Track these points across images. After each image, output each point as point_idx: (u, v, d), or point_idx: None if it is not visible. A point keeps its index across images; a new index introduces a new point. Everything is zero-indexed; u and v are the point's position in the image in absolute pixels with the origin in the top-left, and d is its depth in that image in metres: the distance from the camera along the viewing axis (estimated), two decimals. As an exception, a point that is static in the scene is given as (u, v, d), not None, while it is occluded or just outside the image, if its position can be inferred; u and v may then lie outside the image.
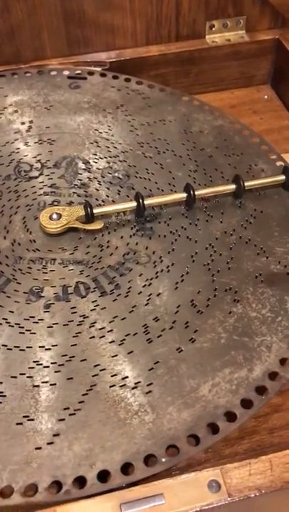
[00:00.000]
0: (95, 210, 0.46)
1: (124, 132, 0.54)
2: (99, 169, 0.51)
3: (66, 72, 0.59)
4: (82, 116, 0.55)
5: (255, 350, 0.38)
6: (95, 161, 0.52)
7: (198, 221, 0.46)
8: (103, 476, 0.33)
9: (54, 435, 0.34)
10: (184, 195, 0.47)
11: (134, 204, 0.46)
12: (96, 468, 0.33)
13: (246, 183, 0.47)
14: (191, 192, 0.46)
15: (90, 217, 0.46)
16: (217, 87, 0.67)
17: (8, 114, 0.55)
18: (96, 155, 0.52)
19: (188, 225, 0.46)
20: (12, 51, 0.60)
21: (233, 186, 0.47)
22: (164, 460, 0.33)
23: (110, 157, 0.52)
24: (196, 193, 0.46)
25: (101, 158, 0.52)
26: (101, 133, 0.54)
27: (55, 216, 0.46)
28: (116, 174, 0.51)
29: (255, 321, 0.40)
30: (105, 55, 0.63)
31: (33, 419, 0.35)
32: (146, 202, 0.47)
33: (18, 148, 0.53)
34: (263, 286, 0.42)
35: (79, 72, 0.59)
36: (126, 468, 0.33)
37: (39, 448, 0.34)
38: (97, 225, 0.46)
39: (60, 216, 0.46)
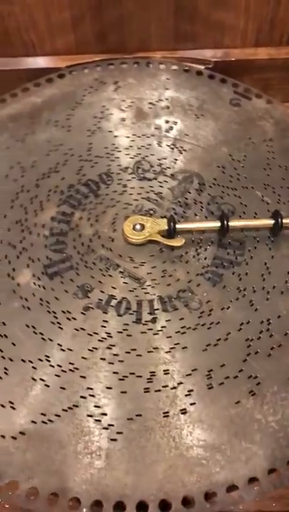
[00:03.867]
0: (178, 226, 0.42)
1: (257, 168, 0.48)
2: (210, 195, 0.46)
3: (231, 87, 0.53)
4: (224, 136, 0.50)
5: (232, 454, 0.33)
6: (211, 185, 0.47)
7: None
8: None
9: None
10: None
11: (218, 224, 0.42)
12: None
13: None
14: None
15: (171, 233, 0.42)
16: None
17: (159, 107, 0.52)
18: (216, 180, 0.47)
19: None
20: (118, 40, 0.55)
21: None
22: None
23: (227, 187, 0.47)
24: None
25: (218, 185, 0.46)
26: (233, 160, 0.48)
27: (138, 227, 0.43)
28: (223, 206, 0.45)
29: (254, 424, 0.34)
30: (211, 52, 0.56)
31: None
32: (231, 223, 0.42)
33: (150, 145, 0.49)
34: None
35: (249, 90, 0.53)
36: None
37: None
38: (177, 242, 0.43)
39: (143, 227, 0.43)
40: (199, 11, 0.53)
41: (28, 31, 0.53)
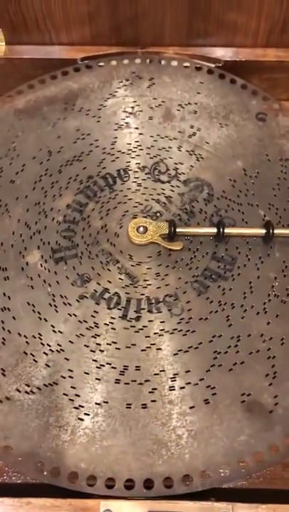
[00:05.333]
0: (178, 230, 0.46)
1: (267, 187, 0.50)
2: (215, 206, 0.49)
3: (261, 100, 0.55)
4: (243, 149, 0.52)
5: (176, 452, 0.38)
6: (219, 197, 0.50)
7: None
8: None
9: None
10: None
11: (214, 230, 0.46)
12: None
13: None
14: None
15: (172, 236, 0.46)
16: None
17: (187, 110, 0.54)
18: (224, 192, 0.50)
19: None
20: (132, 34, 0.57)
21: None
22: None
23: (234, 201, 0.50)
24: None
25: (225, 198, 0.50)
26: (246, 175, 0.51)
27: (141, 229, 0.47)
28: (225, 220, 0.49)
29: (204, 429, 0.39)
30: (222, 51, 0.58)
31: None
32: (227, 230, 0.46)
33: (170, 148, 0.52)
34: (240, 410, 0.39)
35: (276, 107, 0.54)
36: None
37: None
38: (176, 246, 0.47)
39: (146, 230, 0.47)
40: (213, 11, 0.55)
41: (44, 21, 0.56)
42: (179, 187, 0.50)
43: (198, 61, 0.56)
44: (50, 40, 0.58)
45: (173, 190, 0.50)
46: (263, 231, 0.45)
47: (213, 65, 0.56)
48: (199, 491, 0.35)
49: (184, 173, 0.51)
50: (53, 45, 0.58)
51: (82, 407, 0.39)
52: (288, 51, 0.58)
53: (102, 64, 0.56)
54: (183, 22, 0.56)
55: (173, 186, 0.50)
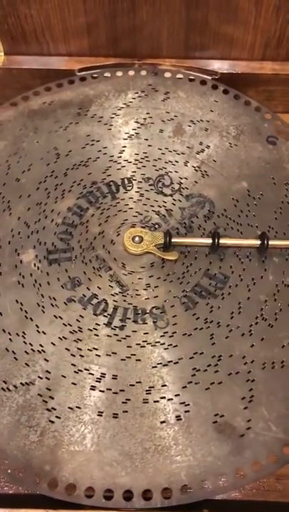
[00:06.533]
0: (173, 240, 0.46)
1: (269, 210, 0.50)
2: (215, 224, 0.49)
3: (273, 124, 0.54)
4: (249, 170, 0.51)
5: (140, 465, 0.38)
6: (220, 215, 0.49)
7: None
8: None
9: None
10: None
11: (209, 241, 0.46)
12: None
13: None
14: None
15: (167, 246, 0.46)
16: None
17: (199, 127, 0.54)
18: (225, 211, 0.50)
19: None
20: (129, 46, 0.57)
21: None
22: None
23: (234, 220, 0.50)
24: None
25: (225, 217, 0.49)
26: (249, 195, 0.51)
27: (137, 239, 0.47)
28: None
29: (171, 446, 0.38)
30: (219, 64, 0.58)
31: None
32: (222, 241, 0.46)
33: (177, 162, 0.52)
34: (211, 431, 0.39)
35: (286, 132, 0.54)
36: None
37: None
38: (171, 256, 0.46)
39: (141, 240, 0.46)
40: (210, 24, 0.55)
41: (43, 33, 0.56)
42: (180, 201, 0.50)
43: (194, 73, 0.57)
44: (48, 51, 0.58)
45: (174, 204, 0.49)
46: (258, 242, 0.45)
47: (209, 78, 0.57)
48: (191, 503, 0.35)
49: (187, 188, 0.50)
50: (51, 55, 0.59)
51: (55, 409, 0.39)
52: (284, 64, 0.59)
53: (120, 74, 0.56)
54: (180, 34, 0.57)
55: (175, 200, 0.50)
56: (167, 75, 0.56)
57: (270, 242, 0.45)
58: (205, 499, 0.35)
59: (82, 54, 0.58)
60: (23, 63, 0.58)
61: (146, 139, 0.52)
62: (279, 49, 0.58)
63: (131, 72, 0.56)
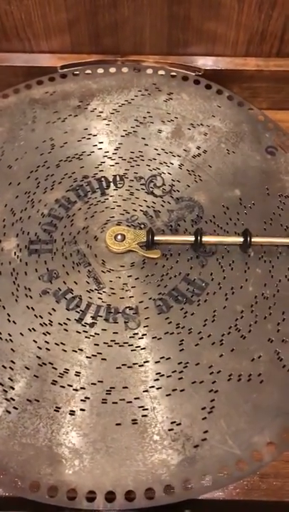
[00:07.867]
0: (156, 238, 0.45)
1: (259, 220, 0.48)
2: (201, 229, 0.48)
3: (275, 135, 0.53)
4: (244, 179, 0.50)
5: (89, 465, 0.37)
6: (207, 221, 0.48)
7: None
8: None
9: None
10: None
11: (192, 238, 0.45)
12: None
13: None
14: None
15: (149, 244, 0.45)
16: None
17: (198, 131, 0.53)
18: (214, 217, 0.49)
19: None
20: (112, 43, 0.56)
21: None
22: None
23: (221, 227, 0.48)
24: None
25: (213, 223, 0.48)
26: (240, 204, 0.49)
27: (119, 237, 0.46)
28: (207, 247, 0.47)
29: (123, 448, 0.38)
30: (202, 60, 0.57)
31: None
32: (204, 239, 0.45)
33: (172, 164, 0.51)
34: (165, 438, 0.38)
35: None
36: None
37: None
38: (154, 254, 0.46)
39: (124, 238, 0.46)
40: (192, 20, 0.54)
41: (24, 30, 0.55)
42: (170, 203, 0.49)
43: (177, 69, 0.55)
44: (30, 48, 0.57)
45: (163, 206, 0.48)
46: (241, 239, 0.44)
47: (193, 74, 0.55)
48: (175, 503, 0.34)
49: (178, 191, 0.49)
50: (33, 53, 0.58)
51: (14, 400, 0.38)
52: (268, 60, 0.57)
53: (125, 70, 0.55)
54: (163, 31, 0.55)
55: (164, 202, 0.49)
56: (149, 71, 0.55)
57: (253, 239, 0.44)
58: (189, 499, 0.34)
59: (64, 51, 0.57)
60: (4, 61, 0.57)
61: (144, 138, 0.51)
62: (262, 45, 0.56)
63: (136, 70, 0.55)
